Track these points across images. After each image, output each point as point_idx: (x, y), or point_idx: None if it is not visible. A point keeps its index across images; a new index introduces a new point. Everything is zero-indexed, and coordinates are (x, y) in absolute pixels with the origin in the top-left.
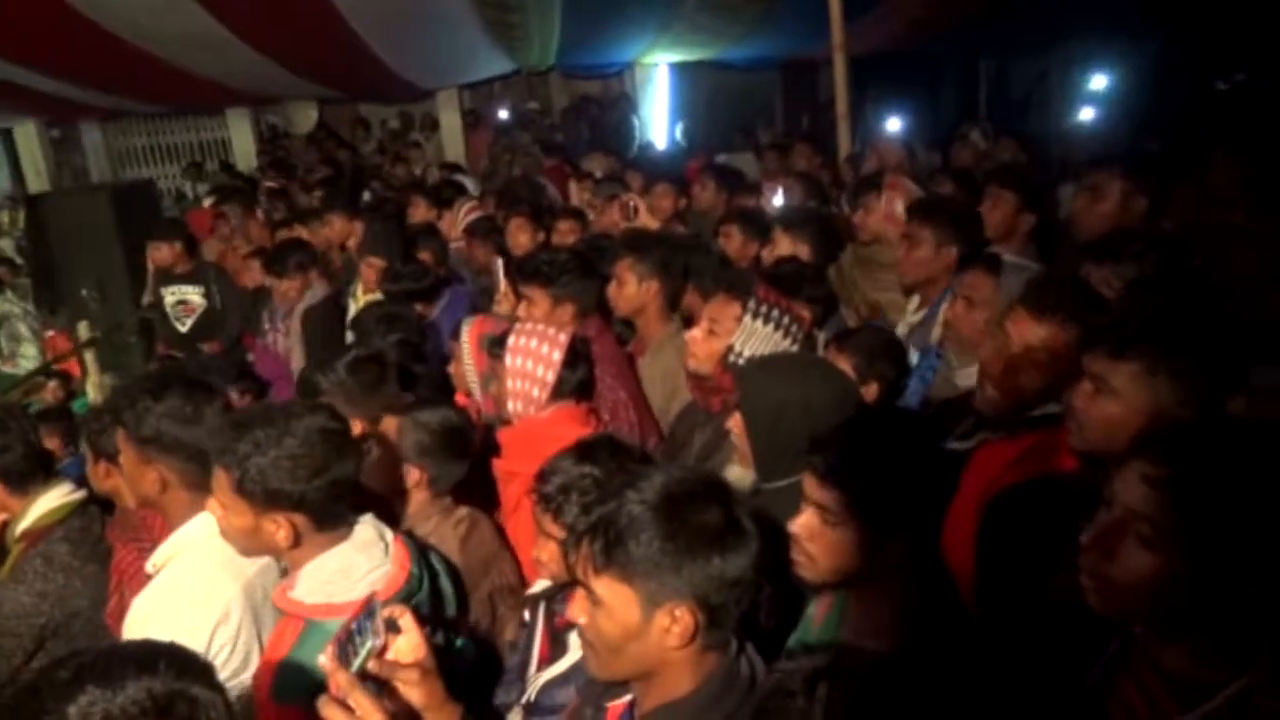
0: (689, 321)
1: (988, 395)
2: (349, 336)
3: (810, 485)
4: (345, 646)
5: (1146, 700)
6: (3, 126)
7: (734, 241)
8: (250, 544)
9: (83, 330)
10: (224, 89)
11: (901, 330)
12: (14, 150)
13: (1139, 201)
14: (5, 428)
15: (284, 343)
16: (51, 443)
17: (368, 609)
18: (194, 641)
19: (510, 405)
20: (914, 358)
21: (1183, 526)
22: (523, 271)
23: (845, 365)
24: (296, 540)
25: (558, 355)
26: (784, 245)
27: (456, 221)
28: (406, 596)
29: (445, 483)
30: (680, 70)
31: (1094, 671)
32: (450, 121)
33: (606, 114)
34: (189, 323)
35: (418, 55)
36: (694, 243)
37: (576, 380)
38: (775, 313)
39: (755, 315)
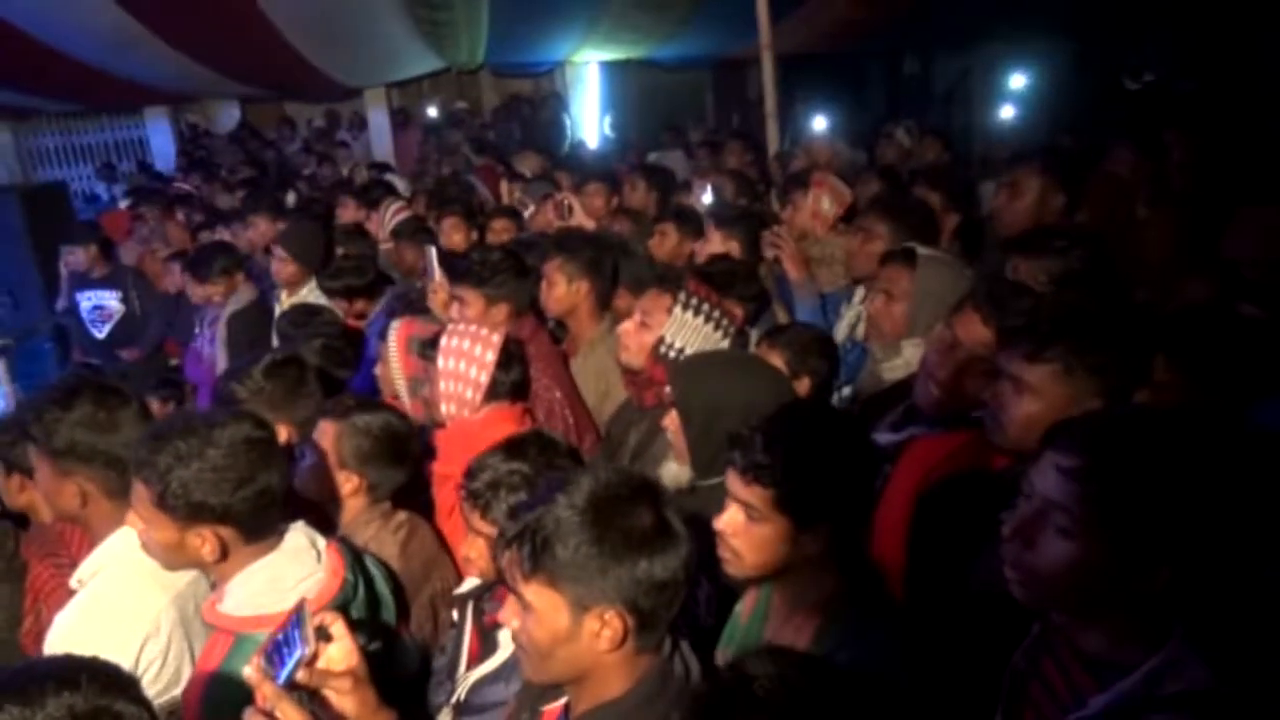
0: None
1: (931, 394)
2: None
3: (733, 482)
4: (272, 656)
5: (1066, 679)
6: None
7: (669, 240)
8: (174, 559)
9: None
10: (141, 87)
11: (849, 320)
12: None
13: (1057, 197)
14: None
15: (209, 349)
16: None
17: (297, 616)
18: (121, 656)
19: (443, 407)
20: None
21: (1097, 514)
22: (455, 272)
23: (777, 361)
24: (223, 554)
25: (491, 356)
26: (716, 242)
27: (384, 223)
28: (341, 604)
29: (385, 489)
30: (611, 69)
31: (1017, 656)
32: (378, 120)
33: (538, 113)
34: (106, 329)
35: (344, 53)
36: (621, 242)
37: (511, 381)
38: (706, 306)
39: (685, 307)
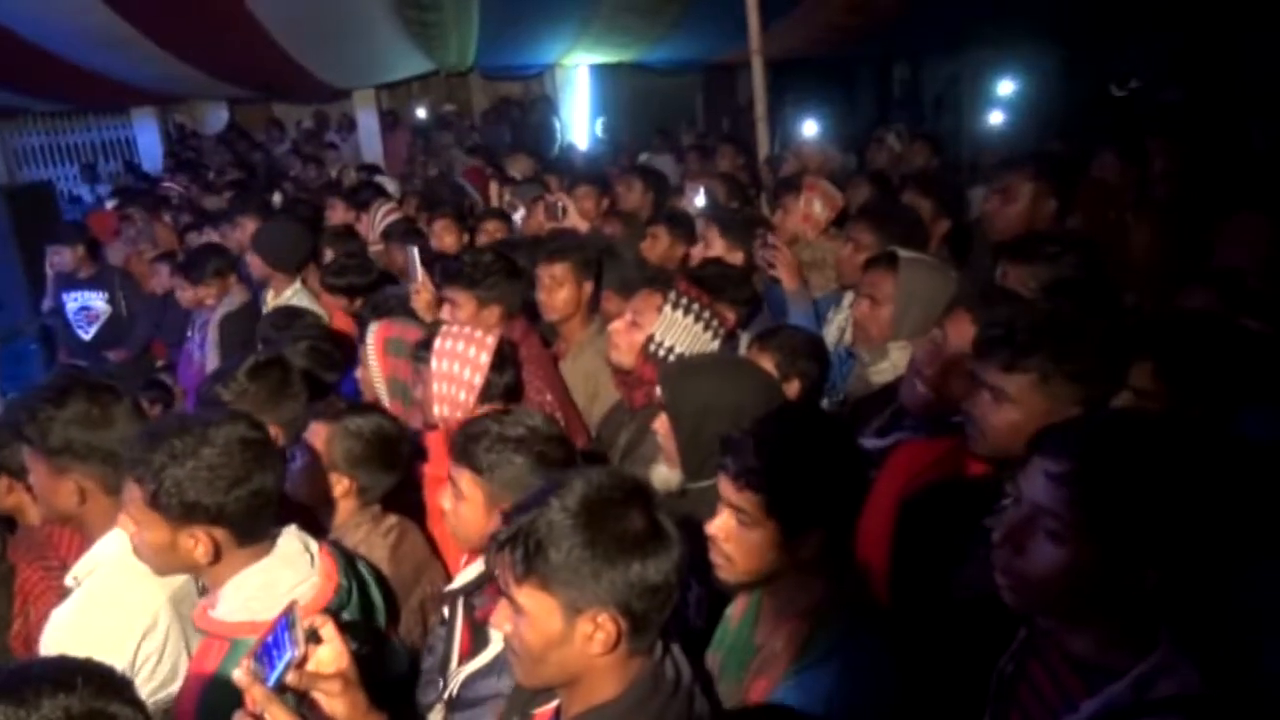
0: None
1: (919, 393)
2: None
3: (725, 487)
4: (262, 658)
5: (1054, 683)
6: None
7: (660, 243)
8: (166, 561)
9: None
10: (129, 88)
11: (838, 324)
12: None
13: (1049, 202)
14: None
15: (199, 353)
16: None
17: (286, 619)
18: (119, 651)
19: (436, 409)
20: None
21: (1086, 518)
22: (447, 274)
23: (767, 363)
24: (216, 556)
25: (485, 357)
26: (718, 247)
27: (374, 224)
28: (335, 609)
29: (376, 492)
30: (601, 72)
31: (1004, 660)
32: (367, 122)
33: (527, 116)
34: (93, 330)
35: (333, 54)
36: (607, 245)
37: (504, 384)
38: (696, 306)
39: (675, 306)
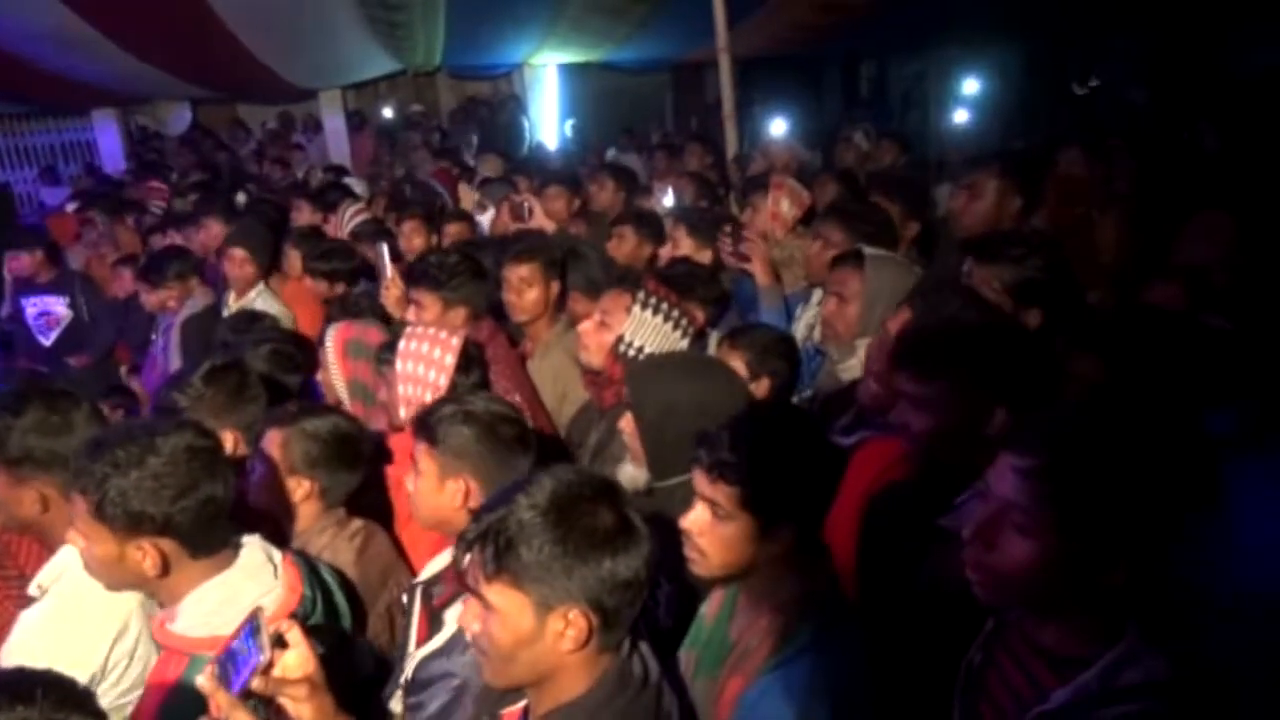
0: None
1: (870, 389)
2: None
3: (699, 480)
4: (226, 665)
5: (1024, 673)
6: None
7: (627, 243)
8: (116, 576)
9: None
10: (89, 88)
11: (806, 321)
12: None
13: (1014, 200)
14: None
15: (163, 357)
16: None
17: (251, 625)
18: (91, 656)
19: (401, 410)
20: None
21: (1054, 512)
22: (412, 275)
23: (737, 361)
24: (165, 569)
25: (450, 359)
26: (686, 246)
27: (342, 225)
28: (301, 620)
29: (338, 494)
30: (570, 71)
31: (972, 652)
32: (334, 123)
33: (496, 115)
34: (53, 335)
35: (298, 54)
36: (572, 245)
37: (470, 384)
38: (665, 305)
39: (645, 306)
